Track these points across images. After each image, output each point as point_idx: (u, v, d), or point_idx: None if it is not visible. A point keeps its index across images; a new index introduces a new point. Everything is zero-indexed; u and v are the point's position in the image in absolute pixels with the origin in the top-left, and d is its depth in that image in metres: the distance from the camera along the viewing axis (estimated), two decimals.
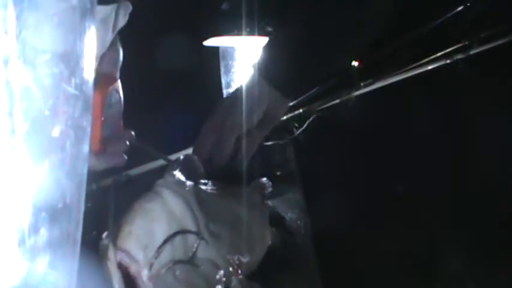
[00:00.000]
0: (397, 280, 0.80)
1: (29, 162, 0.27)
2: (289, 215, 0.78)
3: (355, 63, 0.97)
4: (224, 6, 0.95)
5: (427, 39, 0.98)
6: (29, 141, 0.27)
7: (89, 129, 0.31)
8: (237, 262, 0.55)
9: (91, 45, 0.31)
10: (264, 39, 0.76)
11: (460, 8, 0.97)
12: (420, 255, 0.84)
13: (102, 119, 0.56)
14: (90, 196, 0.33)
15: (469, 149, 0.96)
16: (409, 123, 0.97)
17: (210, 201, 0.58)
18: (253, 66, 0.72)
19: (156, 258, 0.47)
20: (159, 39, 0.86)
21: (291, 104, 0.93)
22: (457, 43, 0.99)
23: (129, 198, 0.52)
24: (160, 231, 0.49)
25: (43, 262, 0.29)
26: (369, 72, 0.96)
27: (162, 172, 0.60)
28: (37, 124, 0.27)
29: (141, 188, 0.53)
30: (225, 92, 0.97)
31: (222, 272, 0.52)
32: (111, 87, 0.56)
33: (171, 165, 0.61)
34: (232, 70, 0.97)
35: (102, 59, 0.52)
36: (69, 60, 0.29)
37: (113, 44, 0.50)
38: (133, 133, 0.62)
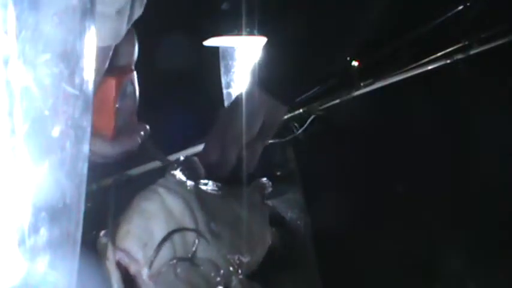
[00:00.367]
0: (397, 280, 0.80)
1: (29, 162, 0.27)
2: (289, 215, 0.78)
3: (355, 63, 0.97)
4: (224, 6, 0.95)
5: (427, 39, 0.98)
6: (29, 141, 0.27)
7: (89, 129, 0.31)
8: (237, 262, 0.55)
9: (91, 45, 0.31)
10: (263, 40, 0.76)
11: (460, 8, 0.97)
12: (420, 255, 0.84)
13: (117, 106, 0.56)
14: (90, 196, 0.33)
15: (469, 149, 0.96)
16: (409, 123, 0.97)
17: (210, 201, 0.58)
18: (251, 74, 0.72)
19: (155, 256, 0.47)
20: (159, 39, 0.86)
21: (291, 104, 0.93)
22: (457, 43, 0.99)
23: (129, 198, 0.52)
24: (159, 230, 0.49)
25: (43, 262, 0.29)
26: (369, 72, 0.96)
27: (162, 172, 0.60)
28: (37, 124, 0.27)
29: (141, 188, 0.53)
30: (225, 92, 0.97)
31: (222, 271, 0.52)
32: (126, 78, 0.57)
33: (171, 165, 0.61)
34: (232, 70, 0.97)
35: (117, 50, 0.53)
36: (69, 60, 0.29)
37: (128, 35, 0.50)
38: (148, 127, 0.62)
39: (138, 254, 0.46)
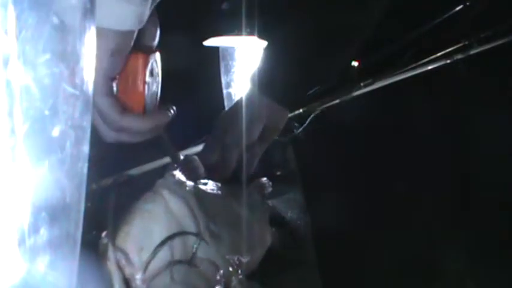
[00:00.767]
0: (397, 280, 0.80)
1: (29, 162, 0.27)
2: (289, 215, 0.78)
3: (355, 63, 0.97)
4: (224, 6, 0.95)
5: (427, 39, 0.98)
6: (28, 141, 0.27)
7: (89, 130, 0.31)
8: (237, 262, 0.55)
9: (91, 45, 0.31)
10: (264, 42, 0.76)
11: (460, 8, 0.97)
12: (420, 255, 0.84)
13: (148, 80, 0.56)
14: (90, 196, 0.33)
15: (469, 149, 0.96)
16: (409, 123, 0.97)
17: (210, 201, 0.58)
18: (251, 78, 0.72)
19: (152, 259, 0.46)
20: (159, 39, 0.85)
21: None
22: (457, 43, 0.99)
23: (129, 198, 0.52)
24: (159, 232, 0.48)
25: (43, 262, 0.29)
26: (369, 72, 0.96)
27: (162, 172, 0.60)
28: (37, 124, 0.27)
29: (141, 188, 0.53)
30: (225, 92, 0.97)
31: (221, 272, 0.52)
32: (152, 56, 0.57)
33: (171, 165, 0.61)
34: (232, 70, 0.96)
35: (142, 33, 0.53)
36: (69, 60, 0.29)
37: (151, 18, 0.51)
38: (172, 111, 0.61)
39: (134, 258, 0.46)
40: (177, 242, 0.49)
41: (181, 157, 0.67)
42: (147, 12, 0.49)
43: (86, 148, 0.31)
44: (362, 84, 0.95)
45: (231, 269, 0.54)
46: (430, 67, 0.98)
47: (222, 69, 0.98)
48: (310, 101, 0.93)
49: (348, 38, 0.71)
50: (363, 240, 0.84)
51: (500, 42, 0.99)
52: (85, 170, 0.31)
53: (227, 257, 0.54)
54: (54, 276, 0.29)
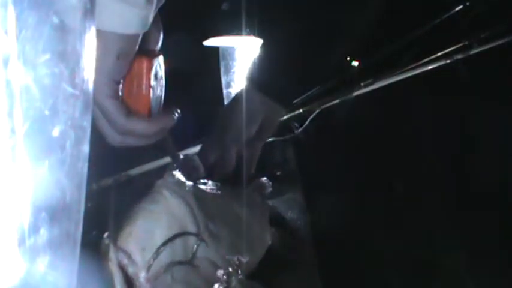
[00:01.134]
0: (397, 280, 0.80)
1: (29, 162, 0.27)
2: (289, 215, 0.78)
3: (355, 63, 0.97)
4: (224, 6, 0.95)
5: (427, 39, 0.98)
6: (29, 141, 0.27)
7: (89, 129, 0.31)
8: (237, 262, 0.55)
9: (91, 45, 0.31)
10: (260, 41, 0.76)
11: (460, 8, 0.97)
12: (420, 255, 0.84)
13: (153, 83, 0.56)
14: (90, 196, 0.33)
15: (469, 149, 0.96)
16: (409, 123, 0.97)
17: (210, 201, 0.58)
18: (248, 75, 0.72)
19: (154, 259, 0.47)
20: None
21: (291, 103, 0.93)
22: (457, 43, 0.99)
23: (129, 198, 0.52)
24: (161, 233, 0.49)
25: (43, 262, 0.29)
26: (369, 72, 0.96)
27: (162, 172, 0.60)
28: (37, 124, 0.27)
29: (141, 188, 0.53)
30: (225, 92, 0.97)
31: (221, 272, 0.52)
32: (155, 59, 0.58)
33: (171, 165, 0.61)
34: (232, 70, 0.97)
35: (147, 37, 0.54)
36: (69, 60, 0.29)
37: (155, 22, 0.52)
38: (177, 113, 0.61)
39: (137, 257, 0.46)
40: (177, 242, 0.49)
41: (181, 157, 0.67)
42: (151, 16, 0.50)
43: (86, 148, 0.31)
44: (362, 84, 0.95)
45: (231, 269, 0.54)
46: (430, 67, 0.98)
47: (222, 69, 0.98)
48: (310, 101, 0.93)
49: (344, 36, 0.71)
50: (363, 240, 0.84)
51: (500, 42, 0.99)
52: (85, 170, 0.31)
53: (227, 257, 0.54)
54: (54, 276, 0.29)
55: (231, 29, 0.91)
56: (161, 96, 0.61)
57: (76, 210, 0.31)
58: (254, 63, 0.72)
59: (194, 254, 0.50)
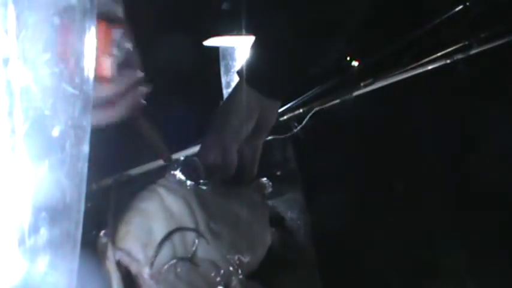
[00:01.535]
0: (397, 280, 0.80)
1: (29, 162, 0.27)
2: (289, 215, 0.78)
3: (355, 63, 0.97)
4: (224, 6, 0.95)
5: (427, 39, 0.98)
6: (29, 141, 0.27)
7: (89, 129, 0.31)
8: (237, 262, 0.55)
9: (91, 45, 0.31)
10: (251, 38, 0.76)
11: (460, 8, 0.97)
12: (420, 255, 0.84)
13: (111, 51, 0.55)
14: (90, 196, 0.33)
15: (469, 149, 0.96)
16: (409, 123, 0.97)
17: (211, 201, 0.58)
18: (239, 73, 0.72)
19: (156, 256, 0.47)
20: (159, 39, 0.86)
21: (291, 104, 0.94)
22: (457, 43, 0.99)
23: (129, 198, 0.52)
24: (159, 230, 0.49)
25: (43, 262, 0.29)
26: (369, 72, 0.96)
27: (162, 172, 0.60)
28: (37, 124, 0.27)
29: (141, 188, 0.53)
30: (225, 92, 0.97)
31: (222, 271, 0.52)
32: (116, 27, 0.56)
33: (171, 165, 0.61)
34: (232, 70, 0.97)
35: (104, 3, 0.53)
36: (69, 60, 0.29)
37: None
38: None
39: (139, 254, 0.46)
40: (177, 240, 0.49)
41: (173, 158, 0.67)
42: None
43: (86, 148, 0.31)
44: (362, 84, 0.95)
45: (231, 268, 0.54)
46: (430, 67, 0.98)
47: (222, 69, 0.98)
48: (310, 101, 0.94)
49: (338, 32, 0.71)
50: (363, 240, 0.84)
51: (500, 42, 0.99)
52: (85, 170, 0.31)
53: (227, 256, 0.54)
54: (54, 276, 0.29)
55: (231, 29, 0.91)
56: (132, 72, 0.59)
57: (76, 210, 0.31)
58: (246, 61, 0.72)
59: (195, 251, 0.50)
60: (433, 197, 0.91)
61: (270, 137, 0.86)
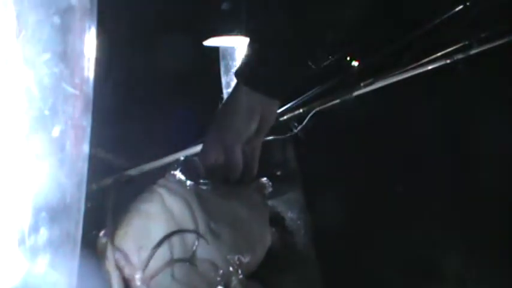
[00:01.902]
0: (397, 280, 0.80)
1: (29, 162, 0.27)
2: (289, 215, 0.78)
3: (355, 63, 0.97)
4: (224, 6, 0.95)
5: (427, 39, 0.98)
6: (29, 141, 0.27)
7: (89, 129, 0.31)
8: (237, 262, 0.55)
9: (91, 45, 0.31)
10: (247, 39, 0.76)
11: (460, 8, 0.97)
12: (420, 255, 0.84)
13: None
14: (90, 196, 0.33)
15: (469, 149, 0.96)
16: (409, 123, 0.97)
17: (211, 201, 0.58)
18: (237, 73, 0.71)
19: (150, 259, 0.46)
20: (159, 39, 0.86)
21: (291, 104, 0.94)
22: (457, 43, 0.99)
23: (129, 198, 0.52)
24: (158, 232, 0.48)
25: (43, 262, 0.29)
26: (368, 72, 0.96)
27: (162, 172, 0.60)
28: (37, 124, 0.27)
29: (141, 188, 0.53)
30: (225, 92, 0.97)
31: (221, 272, 0.52)
32: None
33: (171, 165, 0.61)
34: (232, 70, 0.97)
35: None
36: (69, 60, 0.29)
37: None
38: None
39: (134, 257, 0.46)
40: (176, 241, 0.49)
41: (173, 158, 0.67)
42: None
43: (86, 148, 0.31)
44: (362, 84, 0.95)
45: (231, 268, 0.54)
46: (430, 67, 0.98)
47: (222, 69, 0.98)
48: (310, 101, 0.94)
49: (335, 32, 0.71)
50: (363, 240, 0.84)
51: (500, 42, 0.99)
52: (85, 170, 0.31)
53: (228, 257, 0.54)
54: (54, 276, 0.29)
55: (231, 29, 0.91)
56: None
57: (76, 210, 0.31)
58: (244, 61, 0.72)
59: (194, 252, 0.50)
60: (433, 197, 0.91)
61: (270, 137, 0.86)
